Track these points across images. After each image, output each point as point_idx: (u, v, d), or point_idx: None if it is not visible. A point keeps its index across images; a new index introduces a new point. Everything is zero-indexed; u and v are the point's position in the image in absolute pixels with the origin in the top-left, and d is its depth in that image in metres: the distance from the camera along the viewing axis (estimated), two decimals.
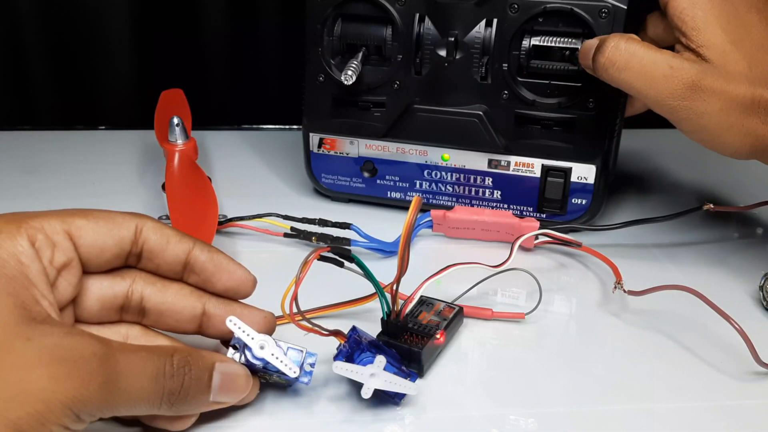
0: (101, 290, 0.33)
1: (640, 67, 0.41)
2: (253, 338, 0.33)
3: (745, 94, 0.41)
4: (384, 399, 0.35)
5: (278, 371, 0.33)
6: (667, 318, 0.43)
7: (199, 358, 0.31)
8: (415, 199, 0.36)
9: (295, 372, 0.33)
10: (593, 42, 0.44)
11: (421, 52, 0.51)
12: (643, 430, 0.35)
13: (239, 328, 0.33)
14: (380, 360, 0.34)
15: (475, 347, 0.41)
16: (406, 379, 0.35)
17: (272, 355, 0.33)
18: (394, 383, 0.34)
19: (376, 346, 0.36)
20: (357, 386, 0.34)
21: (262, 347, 0.33)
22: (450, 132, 0.52)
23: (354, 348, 0.35)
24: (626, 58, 0.41)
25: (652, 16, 0.49)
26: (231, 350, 0.34)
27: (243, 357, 0.33)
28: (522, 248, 0.50)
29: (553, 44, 0.48)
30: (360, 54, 0.51)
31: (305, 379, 0.34)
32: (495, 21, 0.49)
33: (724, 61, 0.41)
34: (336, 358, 0.35)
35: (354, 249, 0.49)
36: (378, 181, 0.55)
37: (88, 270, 0.33)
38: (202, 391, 0.32)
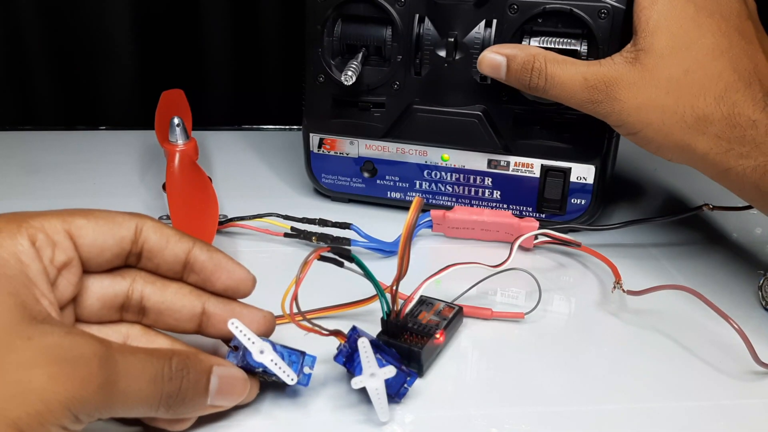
0: (101, 289, 0.33)
1: (560, 85, 0.45)
2: (253, 342, 0.33)
3: (666, 99, 0.42)
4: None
5: (277, 376, 0.33)
6: (667, 318, 0.43)
7: (197, 361, 0.32)
8: (416, 200, 0.36)
9: (293, 379, 0.33)
10: (497, 58, 0.46)
11: (421, 53, 0.51)
12: (641, 429, 0.35)
13: (240, 331, 0.33)
14: (389, 370, 0.33)
15: (474, 347, 0.41)
16: (405, 379, 0.35)
17: (271, 360, 0.33)
18: (379, 397, 0.33)
19: (376, 346, 0.36)
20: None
21: (261, 352, 0.33)
22: (450, 132, 0.52)
23: (354, 348, 0.35)
24: (549, 81, 0.45)
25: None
26: (231, 351, 0.34)
27: (243, 359, 0.33)
28: (521, 248, 0.50)
29: (552, 45, 0.48)
30: (360, 54, 0.51)
31: (304, 381, 0.34)
32: (494, 22, 0.49)
33: (654, 66, 0.42)
34: (336, 358, 0.35)
35: (354, 249, 0.49)
36: (378, 182, 0.55)
37: (88, 269, 0.33)
38: (200, 395, 0.32)
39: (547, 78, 0.45)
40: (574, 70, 0.44)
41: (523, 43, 0.49)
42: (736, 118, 0.41)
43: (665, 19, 0.42)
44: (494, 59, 0.46)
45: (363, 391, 0.34)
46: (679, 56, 0.42)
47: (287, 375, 0.33)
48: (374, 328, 0.38)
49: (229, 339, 0.34)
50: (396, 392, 0.35)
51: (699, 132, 0.42)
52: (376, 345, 0.36)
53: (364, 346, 0.33)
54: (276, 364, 0.33)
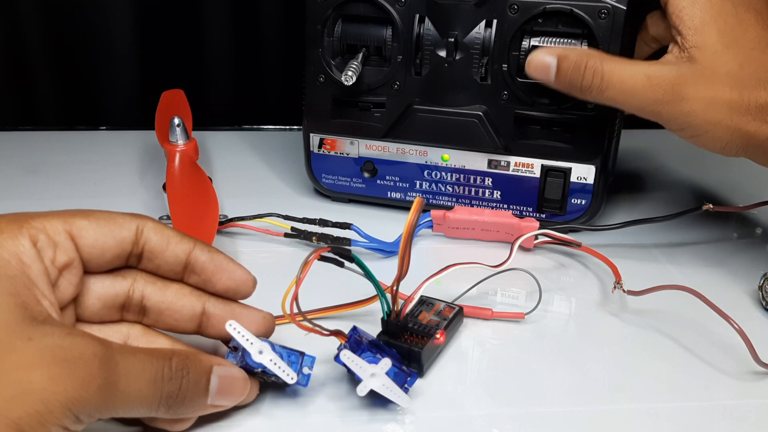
0: (102, 289, 0.33)
1: (620, 85, 0.42)
2: (252, 343, 0.33)
3: (731, 93, 0.42)
4: (384, 398, 0.35)
5: (276, 376, 0.33)
6: (667, 318, 0.43)
7: (197, 361, 0.32)
8: (416, 201, 0.36)
9: (292, 378, 0.33)
10: (548, 58, 0.44)
11: (421, 53, 0.51)
12: (642, 429, 0.35)
13: (239, 332, 0.33)
14: (386, 363, 0.34)
15: (474, 347, 0.41)
16: (406, 380, 0.35)
17: (270, 360, 0.33)
18: (390, 390, 0.34)
19: (376, 346, 0.36)
20: (356, 385, 0.34)
21: (260, 352, 0.33)
22: (450, 132, 0.52)
23: (355, 348, 0.35)
24: (607, 80, 0.42)
25: (653, 15, 0.49)
26: (230, 351, 0.34)
27: (242, 359, 0.33)
28: (522, 248, 0.50)
29: (552, 45, 0.48)
30: (360, 55, 0.51)
31: (303, 382, 0.34)
32: (495, 22, 0.49)
33: (712, 62, 0.42)
34: (336, 358, 0.35)
35: (354, 249, 0.49)
36: (378, 182, 0.55)
37: (89, 270, 0.33)
38: (200, 395, 0.32)
39: (604, 76, 0.42)
40: (635, 68, 0.42)
41: (523, 43, 0.49)
42: None
43: (710, 15, 0.42)
44: (543, 60, 0.44)
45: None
46: (732, 50, 0.42)
47: (286, 374, 0.33)
48: (374, 328, 0.38)
49: (228, 339, 0.34)
50: None
51: (763, 121, 0.42)
52: (376, 345, 0.36)
53: (347, 357, 0.33)
54: (275, 363, 0.33)
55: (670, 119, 0.43)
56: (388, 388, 0.34)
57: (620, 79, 0.42)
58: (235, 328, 0.33)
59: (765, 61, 0.42)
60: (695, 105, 0.42)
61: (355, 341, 0.35)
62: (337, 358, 0.35)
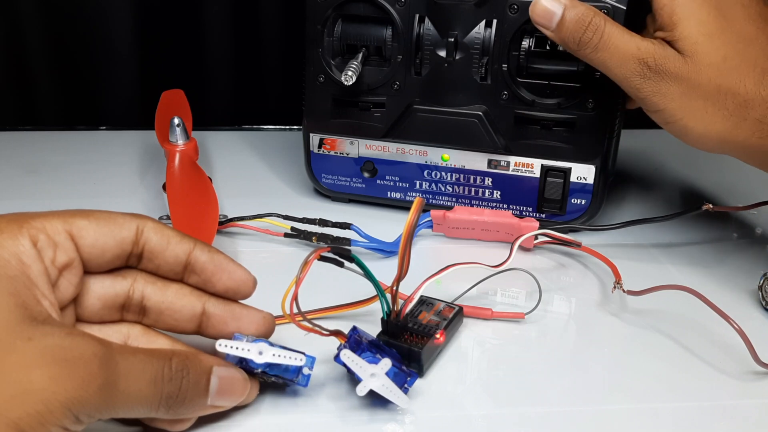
0: (102, 289, 0.33)
1: (614, 48, 0.43)
2: (249, 350, 0.33)
3: (710, 84, 0.42)
4: (385, 398, 0.35)
5: (280, 372, 0.33)
6: (667, 318, 0.43)
7: (197, 361, 0.32)
8: (416, 201, 0.36)
9: (301, 360, 0.33)
10: (554, 6, 0.43)
11: (421, 53, 0.51)
12: (642, 429, 0.35)
13: (231, 347, 0.33)
14: (386, 363, 0.34)
15: (474, 347, 0.41)
16: (406, 380, 0.35)
17: (273, 355, 0.33)
18: (390, 390, 0.34)
19: (376, 346, 0.36)
20: (356, 385, 0.34)
21: (261, 353, 0.33)
22: (450, 132, 0.52)
23: (355, 348, 0.35)
24: (605, 40, 0.43)
25: (651, 17, 0.49)
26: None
27: (243, 361, 0.33)
28: (522, 248, 0.50)
29: (552, 45, 0.48)
30: (360, 54, 0.51)
31: (303, 382, 0.34)
32: (495, 22, 0.49)
33: (694, 51, 0.42)
34: (336, 358, 0.35)
35: (354, 249, 0.49)
36: (378, 182, 0.55)
37: (89, 270, 0.33)
38: (200, 395, 0.32)
39: (603, 36, 0.42)
40: (631, 38, 0.43)
41: (524, 43, 0.49)
42: None
43: (689, 8, 0.42)
44: (548, 7, 0.43)
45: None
46: (715, 42, 0.42)
47: (294, 359, 0.33)
48: (374, 328, 0.38)
49: (228, 339, 0.34)
50: None
51: (740, 118, 0.42)
52: (376, 345, 0.36)
53: (347, 356, 0.33)
54: (279, 355, 0.33)
55: (647, 96, 0.43)
56: (387, 388, 0.34)
57: (617, 43, 0.43)
58: (226, 345, 0.33)
59: (749, 55, 0.42)
60: (673, 88, 0.42)
61: (355, 341, 0.35)
62: (337, 358, 0.35)
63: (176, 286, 0.35)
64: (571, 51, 0.45)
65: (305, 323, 0.34)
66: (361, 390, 0.33)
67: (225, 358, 0.34)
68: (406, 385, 0.35)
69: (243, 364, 0.33)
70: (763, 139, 0.42)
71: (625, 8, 0.46)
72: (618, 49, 0.43)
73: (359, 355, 0.35)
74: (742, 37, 0.42)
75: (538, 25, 0.45)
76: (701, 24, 0.42)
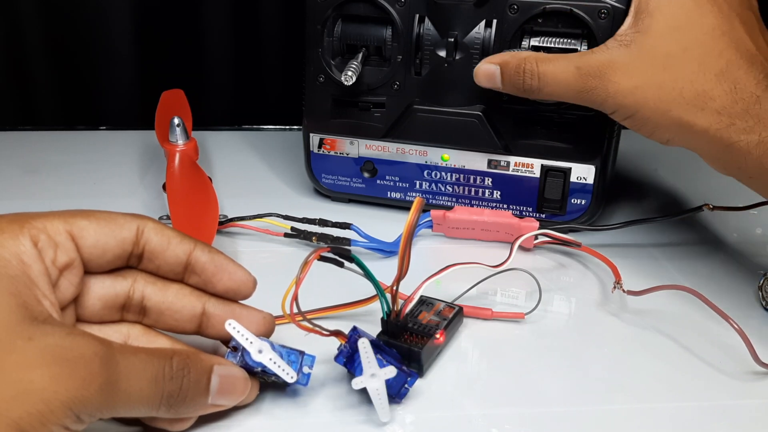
0: (103, 289, 0.33)
1: (554, 81, 0.45)
2: (251, 342, 0.33)
3: (663, 75, 0.42)
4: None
5: (276, 375, 0.33)
6: (667, 318, 0.43)
7: (197, 360, 0.32)
8: (416, 201, 0.36)
9: (292, 377, 0.33)
10: (490, 67, 0.47)
11: (421, 53, 0.51)
12: (642, 429, 0.35)
13: (238, 331, 0.33)
14: (390, 371, 0.33)
15: (474, 347, 0.41)
16: (405, 379, 0.35)
17: (270, 359, 0.33)
18: (380, 398, 0.33)
19: (376, 346, 0.36)
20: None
21: (260, 351, 0.33)
22: (450, 132, 0.52)
23: (355, 348, 0.35)
24: (542, 79, 0.45)
25: None
26: (230, 351, 0.34)
27: (242, 359, 0.33)
28: (522, 248, 0.50)
29: (552, 45, 0.48)
30: (360, 54, 0.51)
31: (303, 381, 0.34)
32: (494, 22, 0.49)
33: (651, 45, 0.42)
34: (336, 358, 0.35)
35: (354, 249, 0.49)
36: (378, 182, 0.55)
37: (89, 270, 0.33)
38: (201, 394, 0.32)
39: (540, 77, 0.45)
40: (566, 63, 0.44)
41: (524, 43, 0.49)
42: (738, 94, 0.41)
43: (666, 0, 0.42)
44: (488, 69, 0.47)
45: (363, 392, 0.34)
46: (678, 35, 0.42)
47: (286, 373, 0.33)
48: (374, 328, 0.38)
49: (228, 340, 0.34)
50: (396, 392, 0.35)
51: (698, 108, 0.41)
52: (376, 345, 0.36)
53: (364, 346, 0.33)
54: (275, 362, 0.33)
55: (601, 103, 0.44)
56: (379, 394, 0.33)
57: (554, 76, 0.44)
58: (234, 327, 0.33)
59: (714, 48, 0.41)
60: (621, 86, 0.43)
61: (355, 341, 0.35)
62: (336, 358, 0.35)
63: (176, 287, 0.35)
64: (530, 98, 0.47)
65: (305, 323, 0.34)
66: (357, 384, 0.33)
67: (225, 356, 0.34)
68: (406, 385, 0.35)
69: (242, 362, 0.33)
70: (721, 131, 0.41)
71: (624, 8, 0.46)
72: (558, 80, 0.44)
73: (358, 356, 0.35)
74: (710, 30, 0.42)
75: (487, 86, 0.48)
76: (672, 16, 0.42)
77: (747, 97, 0.40)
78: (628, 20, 0.44)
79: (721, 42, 0.42)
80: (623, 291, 0.44)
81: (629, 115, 0.44)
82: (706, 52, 0.42)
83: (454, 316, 0.40)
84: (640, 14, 0.43)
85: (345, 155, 0.55)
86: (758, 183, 0.43)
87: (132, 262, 0.34)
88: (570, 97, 0.45)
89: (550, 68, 0.45)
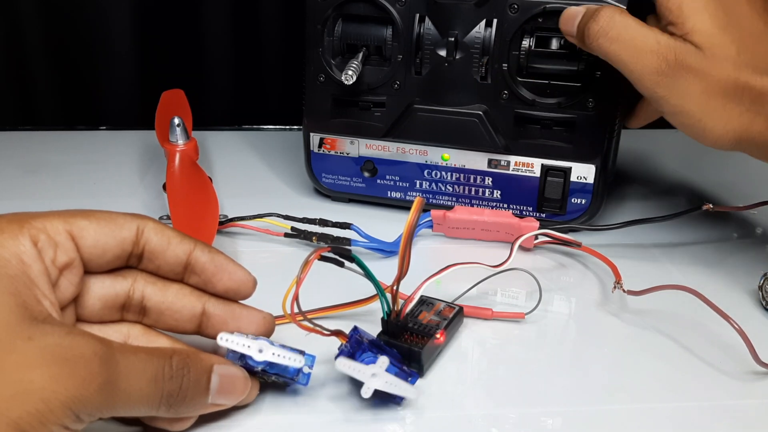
0: (103, 289, 0.33)
1: (630, 40, 0.42)
2: (249, 346, 0.33)
3: (729, 79, 0.41)
4: (385, 399, 0.35)
5: (279, 371, 0.33)
6: (667, 318, 0.43)
7: (197, 360, 0.32)
8: (417, 200, 0.36)
9: (300, 361, 0.33)
10: (579, 9, 0.44)
11: (421, 52, 0.51)
12: (642, 430, 0.35)
13: (232, 342, 0.33)
14: (383, 360, 0.34)
15: (475, 347, 0.41)
16: (406, 380, 0.35)
17: (273, 354, 0.33)
18: (394, 385, 0.34)
19: (377, 346, 0.36)
20: (357, 386, 0.34)
21: (260, 351, 0.33)
22: (450, 132, 0.52)
23: (355, 348, 0.35)
24: (619, 30, 0.42)
25: (653, 16, 0.49)
26: (230, 351, 0.34)
27: (243, 360, 0.33)
28: (522, 248, 0.50)
29: (552, 45, 0.48)
30: (360, 54, 0.51)
31: (303, 381, 0.34)
32: (495, 21, 0.49)
33: (711, 44, 0.41)
34: (337, 358, 0.35)
35: (354, 249, 0.49)
36: (378, 181, 0.55)
37: (89, 270, 0.33)
38: (201, 393, 0.32)
39: (615, 26, 0.42)
40: (649, 32, 0.41)
41: (524, 42, 0.49)
42: None
43: (699, 3, 0.41)
44: (575, 10, 0.44)
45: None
46: (728, 36, 0.41)
47: (293, 360, 0.33)
48: (374, 328, 0.38)
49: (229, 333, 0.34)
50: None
51: (755, 113, 0.41)
52: (376, 345, 0.36)
53: (342, 364, 0.33)
54: (279, 355, 0.33)
55: (664, 96, 0.42)
56: (391, 384, 0.33)
57: (632, 35, 0.42)
58: (227, 340, 0.33)
59: (759, 50, 0.41)
60: (693, 85, 0.41)
61: (355, 341, 0.35)
62: (337, 358, 0.35)
63: (176, 287, 0.35)
64: (587, 44, 0.43)
65: (306, 323, 0.34)
66: (366, 392, 0.33)
67: (226, 356, 0.34)
68: None
69: (243, 362, 0.33)
70: None
71: (624, 8, 0.46)
72: (635, 41, 0.41)
73: (359, 356, 0.35)
74: (750, 33, 0.41)
75: (564, 28, 0.45)
76: (713, 17, 0.41)
77: None
78: (668, 21, 0.42)
79: (762, 45, 0.41)
80: (623, 291, 0.44)
81: (691, 123, 0.42)
82: (755, 55, 0.41)
83: (454, 316, 0.40)
84: (678, 18, 0.41)
85: (345, 155, 0.55)
86: None
87: (132, 262, 0.34)
88: (634, 71, 0.42)
89: (632, 24, 0.42)
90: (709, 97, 0.41)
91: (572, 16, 0.44)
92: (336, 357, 0.35)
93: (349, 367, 0.33)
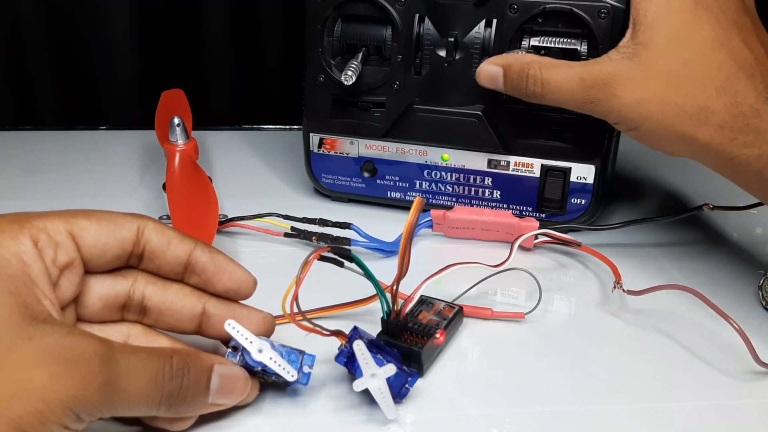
0: (103, 289, 0.33)
1: (557, 89, 0.45)
2: (251, 342, 0.33)
3: (666, 92, 0.42)
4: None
5: (276, 374, 0.33)
6: (667, 318, 0.43)
7: (198, 360, 0.32)
8: (417, 200, 0.36)
9: (293, 376, 0.33)
10: (495, 70, 0.47)
11: (421, 53, 0.51)
12: (642, 429, 0.35)
13: (237, 331, 0.33)
14: (390, 368, 0.33)
15: (474, 347, 0.41)
16: (406, 379, 0.35)
17: (270, 359, 0.33)
18: (383, 396, 0.33)
19: (376, 346, 0.36)
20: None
21: (260, 350, 0.33)
22: (450, 132, 0.52)
23: (369, 347, 0.35)
24: (545, 86, 0.45)
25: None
26: (230, 351, 0.34)
27: (242, 358, 0.33)
28: (522, 248, 0.50)
29: (552, 45, 0.48)
30: (360, 54, 0.51)
31: (303, 380, 0.34)
32: (494, 21, 0.49)
33: (653, 60, 0.42)
34: (337, 358, 0.35)
35: (354, 249, 0.49)
36: (378, 181, 0.55)
37: (89, 270, 0.33)
38: (201, 393, 0.32)
39: (543, 83, 0.45)
40: (570, 71, 0.44)
41: (523, 42, 0.49)
42: (738, 108, 0.41)
43: (664, 12, 0.42)
44: (491, 71, 0.47)
45: (364, 392, 0.34)
46: (679, 49, 0.42)
47: (287, 372, 0.33)
48: (374, 328, 0.38)
49: (228, 340, 0.34)
50: (397, 392, 0.35)
51: (700, 122, 0.41)
52: (376, 345, 0.36)
53: (359, 348, 0.33)
54: (275, 361, 0.33)
55: (604, 114, 0.44)
56: (382, 393, 0.33)
57: (557, 84, 0.45)
58: (234, 327, 0.33)
59: (714, 60, 0.41)
60: (625, 100, 0.43)
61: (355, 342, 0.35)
62: (337, 358, 0.35)
63: (177, 287, 0.35)
64: (532, 101, 0.46)
65: (305, 323, 0.34)
66: (358, 386, 0.33)
67: (225, 356, 0.34)
68: (407, 385, 0.35)
69: (242, 360, 0.33)
70: (723, 145, 0.41)
71: (624, 8, 0.46)
72: (561, 88, 0.44)
73: (374, 354, 0.34)
74: (709, 42, 0.42)
75: (488, 87, 0.48)
76: (671, 29, 0.42)
77: (747, 111, 0.41)
78: (629, 32, 0.43)
79: (720, 54, 0.41)
80: (623, 291, 0.44)
81: (633, 128, 0.44)
82: (707, 66, 0.42)
83: (454, 315, 0.40)
84: (639, 26, 0.43)
85: (345, 155, 0.55)
86: (760, 194, 0.43)
87: (132, 262, 0.34)
88: (573, 107, 0.45)
89: (554, 76, 0.45)
90: (647, 105, 0.42)
91: (493, 77, 0.47)
92: (336, 358, 0.35)
93: (363, 353, 0.33)
